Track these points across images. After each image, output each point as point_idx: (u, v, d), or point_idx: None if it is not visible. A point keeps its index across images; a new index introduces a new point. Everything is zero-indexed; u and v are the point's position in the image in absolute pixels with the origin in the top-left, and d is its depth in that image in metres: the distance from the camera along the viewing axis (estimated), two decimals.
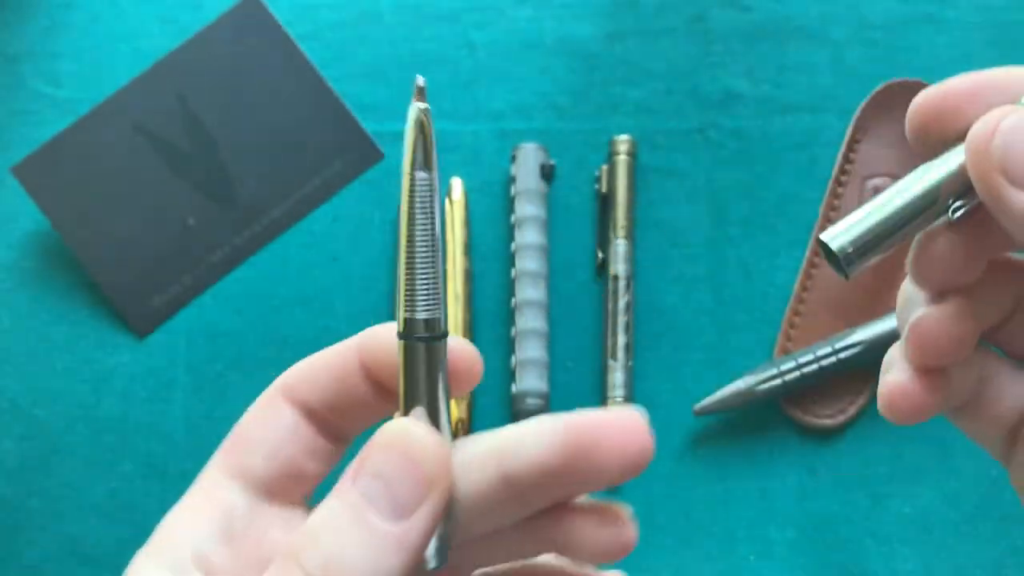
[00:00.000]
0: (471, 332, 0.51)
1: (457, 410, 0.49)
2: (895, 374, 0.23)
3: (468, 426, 0.50)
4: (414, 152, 0.23)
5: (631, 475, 0.23)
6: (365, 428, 0.26)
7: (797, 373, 0.48)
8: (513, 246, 0.51)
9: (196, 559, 0.23)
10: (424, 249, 0.22)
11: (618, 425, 0.22)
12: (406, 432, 0.22)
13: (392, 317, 0.53)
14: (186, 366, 0.51)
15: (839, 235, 0.22)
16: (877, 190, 0.52)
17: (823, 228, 0.52)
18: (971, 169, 0.20)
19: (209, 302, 0.52)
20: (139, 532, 0.52)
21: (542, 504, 0.24)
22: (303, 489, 0.26)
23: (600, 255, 0.52)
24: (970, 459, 0.49)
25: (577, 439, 0.22)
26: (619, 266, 0.51)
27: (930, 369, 0.23)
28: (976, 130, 0.20)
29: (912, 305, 0.24)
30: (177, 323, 0.52)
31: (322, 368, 0.26)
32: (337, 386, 0.25)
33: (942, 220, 0.22)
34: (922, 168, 0.22)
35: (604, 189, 0.51)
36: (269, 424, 0.25)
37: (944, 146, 0.22)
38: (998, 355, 0.26)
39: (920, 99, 0.22)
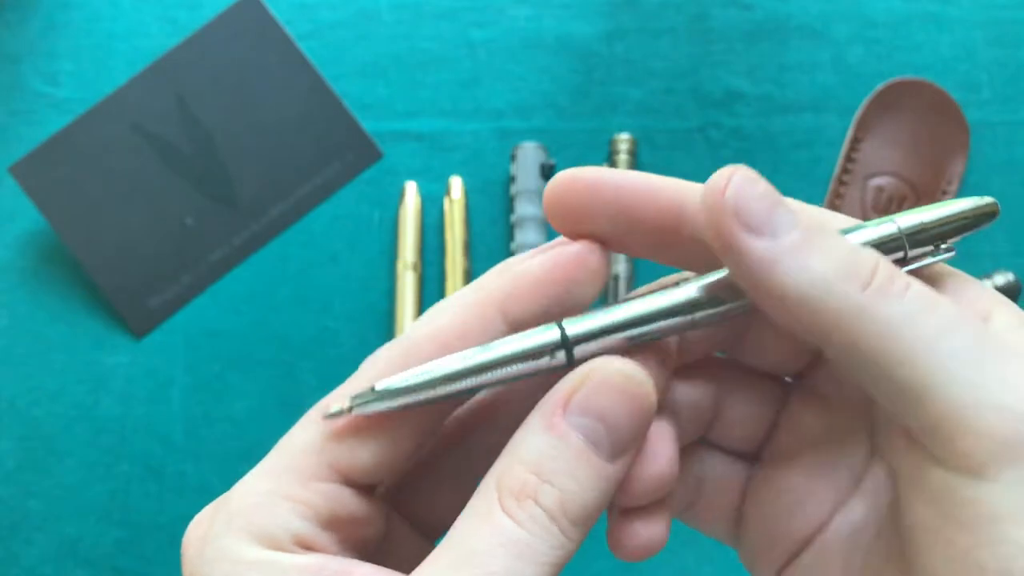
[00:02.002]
0: None
1: None
2: (612, 521, 0.23)
3: None
4: None
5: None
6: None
7: None
8: (513, 246, 0.51)
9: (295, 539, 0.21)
10: None
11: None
12: (627, 375, 0.21)
13: (391, 317, 0.53)
14: (185, 366, 0.51)
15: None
16: (880, 189, 0.52)
17: None
18: (707, 221, 0.21)
19: (208, 302, 0.52)
20: (138, 532, 0.52)
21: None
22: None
23: None
24: None
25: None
26: (619, 266, 0.50)
27: (645, 507, 0.23)
28: (709, 185, 0.21)
29: None
30: (176, 323, 0.52)
31: (533, 285, 0.23)
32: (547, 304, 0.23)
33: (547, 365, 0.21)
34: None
35: None
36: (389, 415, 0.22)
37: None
38: (708, 451, 0.25)
39: (551, 186, 0.22)
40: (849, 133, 0.52)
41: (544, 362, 0.21)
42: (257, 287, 0.52)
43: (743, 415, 0.25)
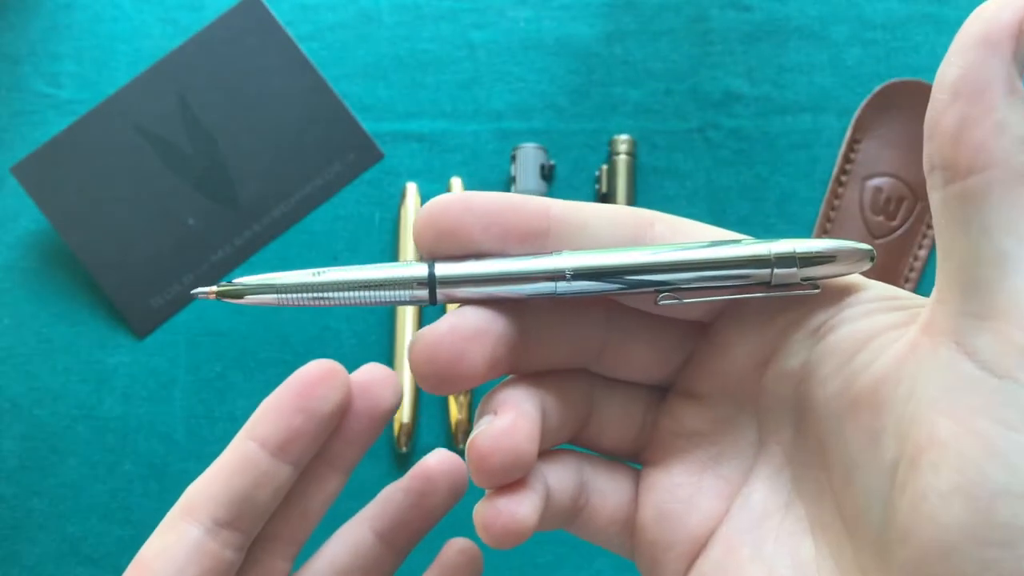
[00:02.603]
0: None
1: (456, 411, 0.49)
2: (479, 507, 0.23)
3: (468, 427, 0.50)
4: None
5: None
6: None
7: None
8: None
9: None
10: None
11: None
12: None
13: (391, 316, 0.53)
14: (186, 366, 0.51)
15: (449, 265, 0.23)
16: (878, 190, 0.52)
17: (823, 228, 0.52)
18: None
19: (210, 302, 0.52)
20: (139, 532, 0.52)
21: None
22: None
23: None
24: None
25: None
26: None
27: (505, 485, 0.23)
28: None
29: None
30: (178, 323, 0.52)
31: (220, 480, 0.26)
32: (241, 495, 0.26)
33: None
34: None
35: (604, 189, 0.52)
36: (170, 549, 0.26)
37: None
38: (590, 459, 0.26)
39: (422, 211, 0.23)
40: (847, 134, 0.52)
41: (406, 294, 0.23)
42: None
43: (611, 417, 0.25)
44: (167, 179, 0.53)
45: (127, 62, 0.54)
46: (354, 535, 0.29)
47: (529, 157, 0.51)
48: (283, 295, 0.24)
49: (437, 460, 0.29)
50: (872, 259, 0.23)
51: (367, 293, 0.24)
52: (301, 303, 0.24)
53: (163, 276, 0.52)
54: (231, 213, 0.53)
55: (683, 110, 0.53)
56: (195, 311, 0.52)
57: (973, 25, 0.19)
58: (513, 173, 0.52)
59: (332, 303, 0.24)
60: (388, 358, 0.51)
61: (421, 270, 0.23)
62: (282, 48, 0.54)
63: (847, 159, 0.52)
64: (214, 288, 0.24)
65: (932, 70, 0.53)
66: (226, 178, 0.53)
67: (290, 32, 0.54)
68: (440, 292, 0.23)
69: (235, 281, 0.24)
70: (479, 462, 0.22)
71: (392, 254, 0.52)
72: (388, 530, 0.29)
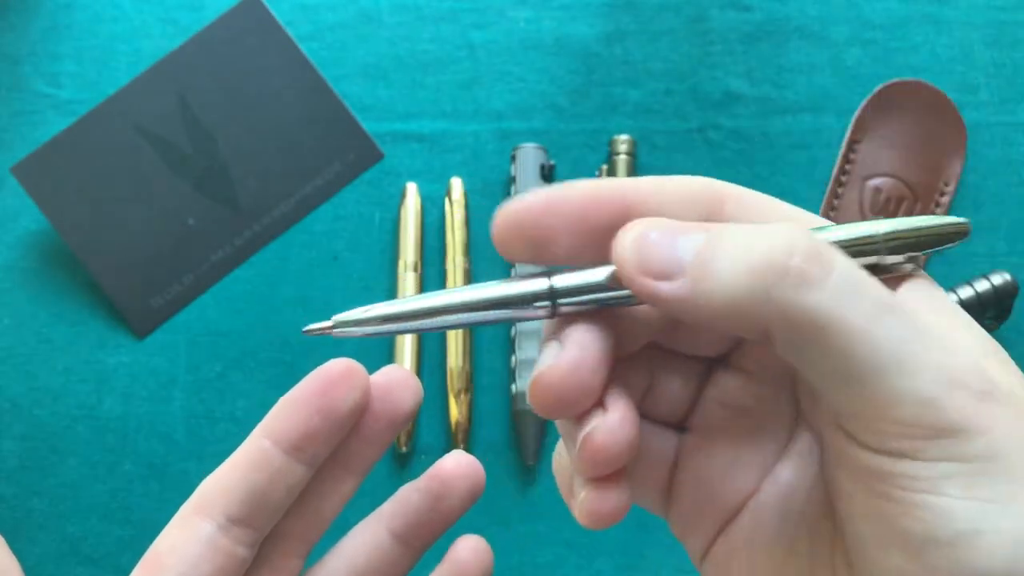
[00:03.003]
0: (471, 332, 0.51)
1: (456, 411, 0.49)
2: (585, 495, 0.23)
3: (468, 427, 0.50)
4: None
5: None
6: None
7: None
8: None
9: None
10: None
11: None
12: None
13: None
14: (186, 366, 0.51)
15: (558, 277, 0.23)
16: (878, 190, 0.52)
17: None
18: (623, 277, 0.21)
19: (209, 302, 0.52)
20: (139, 532, 0.52)
21: None
22: None
23: None
24: None
25: None
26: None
27: (611, 475, 0.23)
28: (614, 250, 0.21)
29: (570, 434, 0.23)
30: (177, 323, 0.52)
31: (232, 476, 0.27)
32: (254, 491, 0.26)
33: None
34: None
35: None
36: (182, 546, 0.26)
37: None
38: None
39: (502, 217, 0.22)
40: (847, 134, 0.52)
41: (529, 310, 0.22)
42: (259, 287, 0.52)
43: (669, 388, 0.25)
44: (167, 179, 0.53)
45: (127, 62, 0.54)
46: (370, 534, 0.29)
47: (529, 157, 0.51)
48: (400, 324, 0.23)
49: (454, 463, 0.29)
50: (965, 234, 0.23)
51: (482, 314, 0.22)
52: (405, 332, 0.24)
53: (163, 276, 0.52)
54: (231, 213, 0.53)
55: (683, 110, 0.53)
56: (195, 311, 0.52)
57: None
58: (513, 173, 0.52)
59: (435, 328, 0.23)
60: (388, 357, 0.51)
61: (542, 283, 0.22)
62: (282, 48, 0.54)
63: (847, 159, 0.52)
64: (329, 324, 0.24)
65: (931, 70, 0.53)
66: (226, 178, 0.53)
67: (290, 32, 0.54)
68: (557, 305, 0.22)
69: (346, 317, 0.24)
70: (543, 396, 0.22)
71: (392, 254, 0.52)
72: (404, 530, 0.29)
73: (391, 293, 0.51)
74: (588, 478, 0.23)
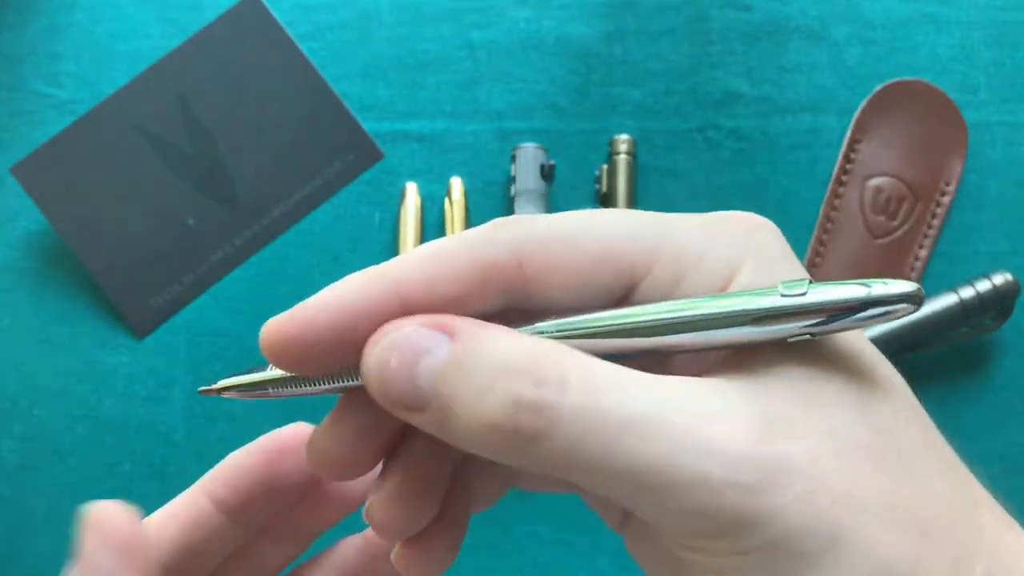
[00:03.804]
0: None
1: None
2: (397, 551, 0.23)
3: None
4: None
5: None
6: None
7: None
8: None
9: None
10: None
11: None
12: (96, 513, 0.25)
13: None
14: (186, 366, 0.51)
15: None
16: (878, 190, 0.52)
17: (823, 228, 0.52)
18: (385, 406, 0.20)
19: (209, 302, 0.52)
20: None
21: None
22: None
23: None
24: (970, 454, 0.49)
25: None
26: None
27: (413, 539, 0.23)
28: (363, 367, 0.20)
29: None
30: (177, 323, 0.52)
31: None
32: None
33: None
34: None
35: (604, 189, 0.51)
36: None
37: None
38: None
39: (267, 334, 0.22)
40: (848, 134, 0.52)
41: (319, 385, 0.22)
42: (258, 287, 0.52)
43: None
44: (167, 179, 0.53)
45: (127, 62, 0.54)
46: (191, 504, 0.27)
47: (529, 157, 0.51)
48: (286, 388, 0.24)
49: (291, 434, 0.26)
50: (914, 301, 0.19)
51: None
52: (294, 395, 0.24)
53: (163, 276, 0.52)
54: (231, 213, 0.53)
55: (683, 110, 0.53)
56: (195, 311, 0.52)
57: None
58: (513, 173, 0.52)
59: (324, 392, 0.23)
60: None
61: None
62: (282, 48, 0.54)
63: (847, 159, 0.52)
64: (216, 387, 0.24)
65: (932, 70, 0.53)
66: (226, 178, 0.53)
67: (290, 32, 0.54)
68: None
69: (233, 382, 0.24)
70: (308, 455, 0.22)
71: (392, 254, 0.52)
72: (229, 499, 0.27)
73: None
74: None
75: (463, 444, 0.19)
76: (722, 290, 0.20)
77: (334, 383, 0.22)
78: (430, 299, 0.20)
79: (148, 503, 0.50)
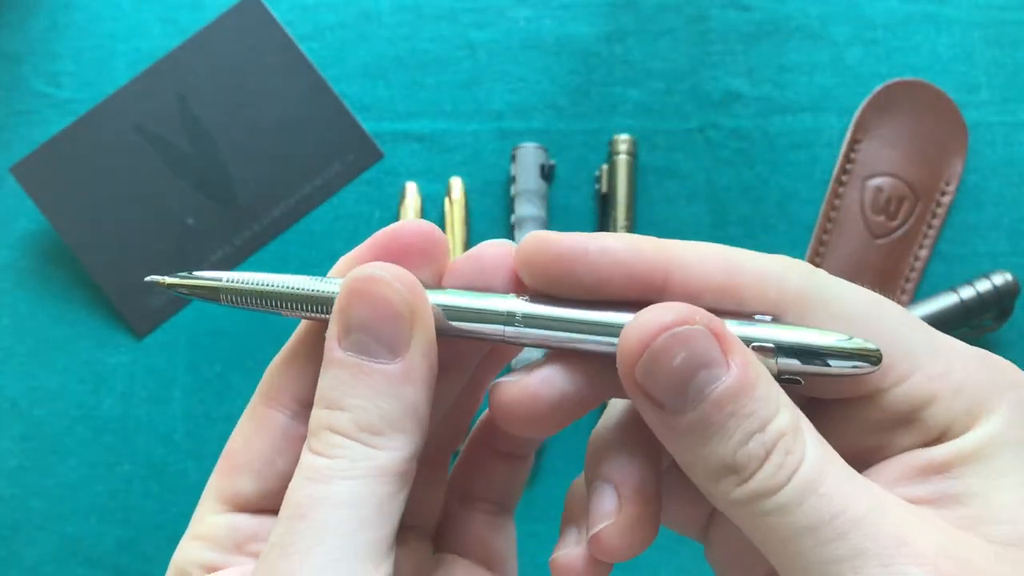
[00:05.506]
0: None
1: None
2: (572, 551, 0.23)
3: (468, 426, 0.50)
4: None
5: None
6: None
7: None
8: None
9: None
10: None
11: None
12: (364, 276, 0.22)
13: None
14: (186, 366, 0.51)
15: (526, 304, 0.22)
16: (879, 190, 0.52)
17: (823, 228, 0.52)
18: (621, 375, 0.20)
19: (208, 302, 0.52)
20: (139, 532, 0.52)
21: None
22: None
23: None
24: None
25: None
26: None
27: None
28: (625, 345, 0.20)
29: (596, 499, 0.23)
30: (177, 323, 0.52)
31: (299, 358, 0.25)
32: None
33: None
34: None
35: (604, 189, 0.51)
36: (255, 440, 0.24)
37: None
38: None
39: (541, 245, 0.22)
40: (848, 134, 0.52)
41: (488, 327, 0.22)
42: None
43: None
44: (166, 178, 0.53)
45: (127, 62, 0.54)
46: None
47: (529, 157, 0.51)
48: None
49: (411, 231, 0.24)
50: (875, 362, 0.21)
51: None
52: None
53: (162, 276, 0.52)
54: (230, 213, 0.53)
55: (683, 110, 0.53)
56: (195, 311, 0.52)
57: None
58: (513, 173, 0.52)
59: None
60: None
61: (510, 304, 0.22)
62: (282, 48, 0.53)
63: (847, 159, 0.52)
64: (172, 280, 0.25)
65: (932, 70, 0.53)
66: (225, 177, 0.53)
67: (290, 32, 0.54)
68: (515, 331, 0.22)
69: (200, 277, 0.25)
70: (498, 405, 0.22)
71: None
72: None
73: None
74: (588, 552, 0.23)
75: (693, 462, 0.20)
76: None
77: (298, 309, 0.23)
78: (687, 293, 0.21)
79: (148, 503, 0.50)
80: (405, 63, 0.54)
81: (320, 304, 0.23)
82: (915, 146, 0.52)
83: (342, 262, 0.24)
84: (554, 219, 0.52)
